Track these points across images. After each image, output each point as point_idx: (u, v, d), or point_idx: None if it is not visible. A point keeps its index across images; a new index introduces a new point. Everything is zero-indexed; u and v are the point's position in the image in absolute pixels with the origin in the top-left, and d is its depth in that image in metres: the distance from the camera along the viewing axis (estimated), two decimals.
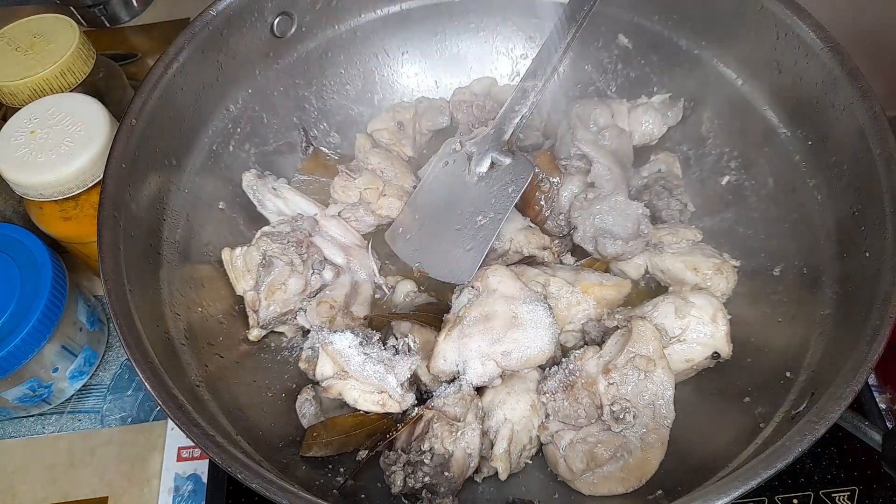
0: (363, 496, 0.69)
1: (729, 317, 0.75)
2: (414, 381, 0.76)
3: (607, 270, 0.85)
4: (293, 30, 0.86)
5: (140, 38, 1.29)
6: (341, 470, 0.71)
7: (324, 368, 0.72)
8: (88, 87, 0.88)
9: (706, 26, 0.84)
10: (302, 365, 0.79)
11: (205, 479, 0.84)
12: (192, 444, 0.58)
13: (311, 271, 0.80)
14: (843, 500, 0.79)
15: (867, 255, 0.67)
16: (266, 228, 0.83)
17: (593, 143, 0.84)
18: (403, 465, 0.68)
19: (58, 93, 0.84)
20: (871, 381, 0.88)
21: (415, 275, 0.85)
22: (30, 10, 1.20)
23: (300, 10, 0.85)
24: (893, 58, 0.98)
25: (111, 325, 0.95)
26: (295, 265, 0.78)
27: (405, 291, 0.84)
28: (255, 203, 0.86)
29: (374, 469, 0.71)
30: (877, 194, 0.68)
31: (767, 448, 0.60)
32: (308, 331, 0.82)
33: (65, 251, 0.87)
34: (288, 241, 0.80)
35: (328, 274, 0.81)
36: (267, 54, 0.86)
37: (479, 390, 0.73)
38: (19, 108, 0.81)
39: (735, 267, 0.81)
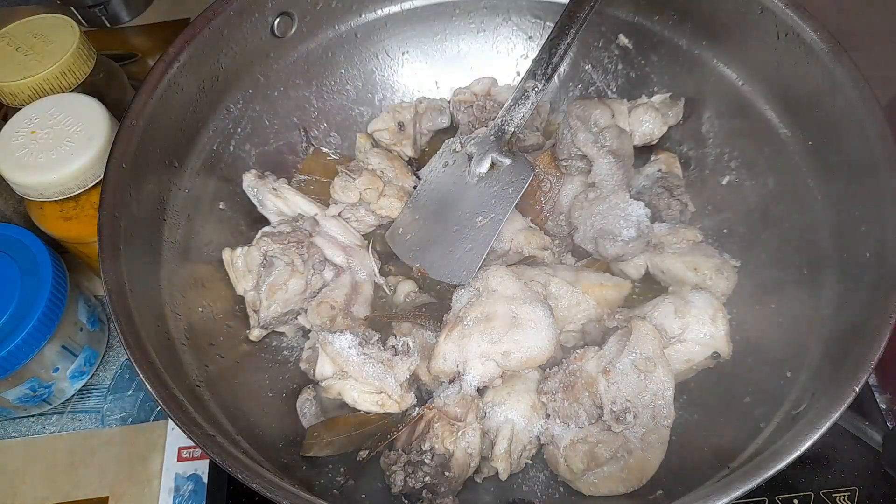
0: (363, 496, 0.69)
1: (729, 317, 0.75)
2: (414, 382, 0.76)
3: (608, 271, 0.85)
4: (293, 30, 0.86)
5: (140, 38, 1.29)
6: (342, 470, 0.71)
7: (323, 368, 0.73)
8: (89, 87, 0.88)
9: (706, 26, 0.84)
10: (303, 365, 0.79)
11: (205, 479, 0.84)
12: (193, 444, 0.58)
13: (312, 271, 0.80)
14: (843, 500, 0.79)
15: (867, 255, 0.67)
16: (267, 228, 0.83)
17: (594, 143, 0.84)
18: (404, 465, 0.68)
19: (58, 93, 0.84)
20: (871, 381, 0.88)
21: (415, 275, 0.85)
22: (30, 10, 1.20)
23: (300, 10, 0.85)
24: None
25: (111, 325, 0.95)
26: (296, 265, 0.78)
27: (405, 292, 0.84)
28: (256, 203, 0.86)
29: (374, 469, 0.71)
30: (877, 194, 0.68)
31: (767, 448, 0.60)
32: (309, 331, 0.82)
33: (65, 251, 0.87)
34: (289, 242, 0.80)
35: (328, 274, 0.81)
36: (267, 54, 0.86)
37: (480, 390, 0.73)
38: (20, 108, 0.81)
39: (735, 267, 0.82)
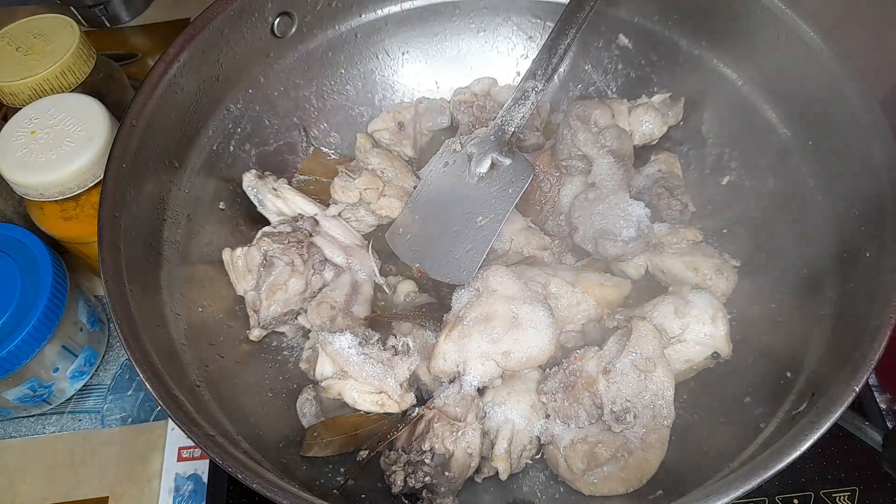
0: (363, 496, 0.69)
1: (729, 317, 0.75)
2: (414, 382, 0.76)
3: (608, 271, 0.85)
4: (293, 30, 0.86)
5: (140, 38, 1.30)
6: (342, 470, 0.71)
7: (323, 368, 0.73)
8: (88, 87, 0.88)
9: (706, 26, 0.84)
10: (303, 365, 0.79)
11: (205, 479, 0.84)
12: (193, 444, 0.58)
13: (312, 271, 0.80)
14: (843, 500, 0.79)
15: (867, 255, 0.67)
16: (267, 228, 0.83)
17: (594, 143, 0.84)
18: (404, 465, 0.68)
19: (58, 93, 0.84)
20: (872, 381, 0.88)
21: (415, 275, 0.85)
22: (30, 10, 1.20)
23: (300, 11, 0.85)
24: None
25: (111, 325, 0.95)
26: (296, 265, 0.78)
27: (405, 292, 0.84)
28: (256, 203, 0.86)
29: (374, 469, 0.71)
30: (877, 194, 0.68)
31: (767, 448, 0.60)
32: (309, 331, 0.82)
33: (65, 251, 0.87)
34: (289, 242, 0.80)
35: (329, 274, 0.81)
36: (267, 54, 0.86)
37: (480, 390, 0.73)
38: (19, 108, 0.81)
39: (735, 267, 0.82)
